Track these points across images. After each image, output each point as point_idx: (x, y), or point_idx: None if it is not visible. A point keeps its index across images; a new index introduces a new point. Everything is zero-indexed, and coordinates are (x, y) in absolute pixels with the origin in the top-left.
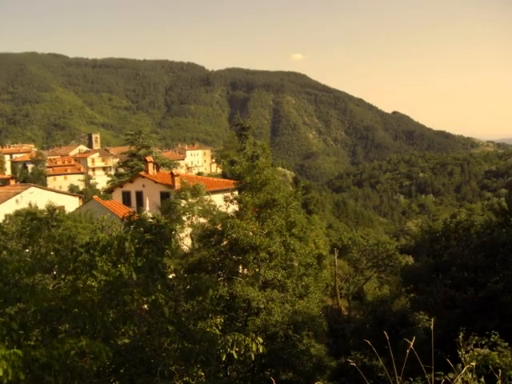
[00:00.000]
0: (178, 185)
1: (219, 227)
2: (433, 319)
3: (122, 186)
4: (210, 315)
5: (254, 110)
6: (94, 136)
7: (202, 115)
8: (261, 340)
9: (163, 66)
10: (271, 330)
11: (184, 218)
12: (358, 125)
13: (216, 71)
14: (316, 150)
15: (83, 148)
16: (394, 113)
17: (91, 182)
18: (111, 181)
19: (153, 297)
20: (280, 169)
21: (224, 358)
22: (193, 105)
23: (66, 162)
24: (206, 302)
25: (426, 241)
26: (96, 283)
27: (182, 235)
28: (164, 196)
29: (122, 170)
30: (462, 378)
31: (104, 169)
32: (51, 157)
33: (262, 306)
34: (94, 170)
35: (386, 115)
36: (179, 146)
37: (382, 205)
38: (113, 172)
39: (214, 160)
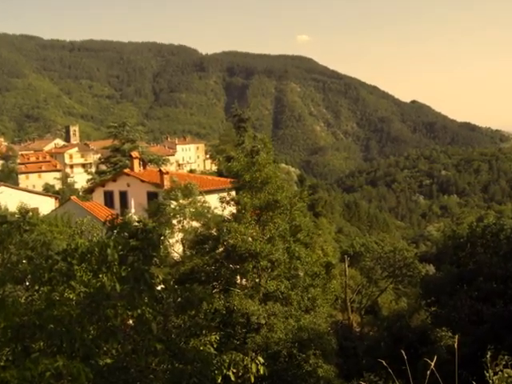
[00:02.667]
0: (167, 184)
1: (214, 232)
2: (457, 336)
3: (103, 186)
4: (203, 332)
5: (253, 98)
6: (71, 129)
7: (195, 105)
8: (261, 360)
9: (150, 49)
10: (273, 349)
11: (174, 221)
12: (371, 116)
13: (211, 55)
14: (324, 145)
15: (60, 142)
16: (413, 102)
17: (69, 180)
18: (92, 179)
19: (139, 311)
20: (283, 165)
21: (219, 380)
22: (184, 93)
23: (41, 158)
24: (200, 317)
25: (448, 247)
26: (74, 295)
27: (172, 241)
28: (152, 196)
29: (103, 167)
30: None
31: (84, 166)
32: (23, 152)
33: (263, 322)
34: (72, 166)
35: (403, 105)
36: (169, 139)
37: (398, 206)
38: (93, 169)
39: (208, 156)
